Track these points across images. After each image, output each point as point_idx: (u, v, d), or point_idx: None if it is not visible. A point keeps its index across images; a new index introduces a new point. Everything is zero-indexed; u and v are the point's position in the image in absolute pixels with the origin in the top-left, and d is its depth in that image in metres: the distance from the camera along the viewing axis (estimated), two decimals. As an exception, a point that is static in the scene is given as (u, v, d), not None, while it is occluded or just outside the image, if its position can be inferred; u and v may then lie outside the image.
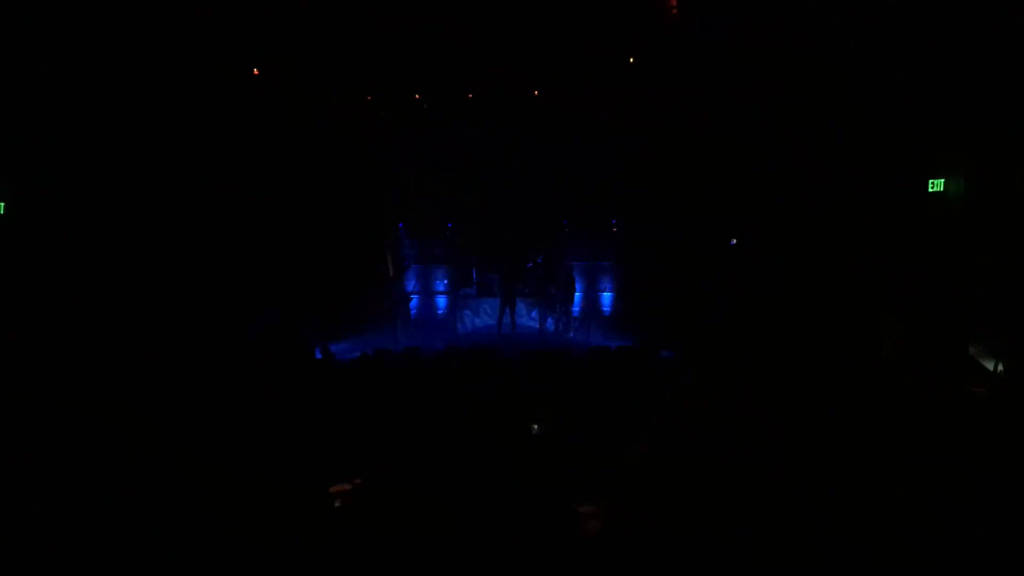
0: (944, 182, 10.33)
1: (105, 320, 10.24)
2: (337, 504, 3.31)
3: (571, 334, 17.65)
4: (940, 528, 3.82)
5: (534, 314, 18.29)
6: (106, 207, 11.25)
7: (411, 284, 18.77)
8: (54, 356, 8.72)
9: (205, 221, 12.75)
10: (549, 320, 18.10)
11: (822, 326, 11.10)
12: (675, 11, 13.73)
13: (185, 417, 7.64)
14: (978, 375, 8.17)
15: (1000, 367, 8.40)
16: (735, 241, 14.67)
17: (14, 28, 10.17)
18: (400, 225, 18.70)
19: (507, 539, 2.98)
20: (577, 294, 18.33)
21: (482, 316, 18.54)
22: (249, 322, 13.12)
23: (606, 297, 18.67)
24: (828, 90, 12.31)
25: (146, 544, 2.94)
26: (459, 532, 3.01)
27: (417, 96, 15.72)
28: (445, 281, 19.04)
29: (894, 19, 10.93)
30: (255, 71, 13.89)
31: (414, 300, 18.68)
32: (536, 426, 4.96)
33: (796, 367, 8.82)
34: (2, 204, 10.39)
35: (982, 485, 4.28)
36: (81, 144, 11.08)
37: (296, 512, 3.21)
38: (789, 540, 3.84)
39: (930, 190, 10.39)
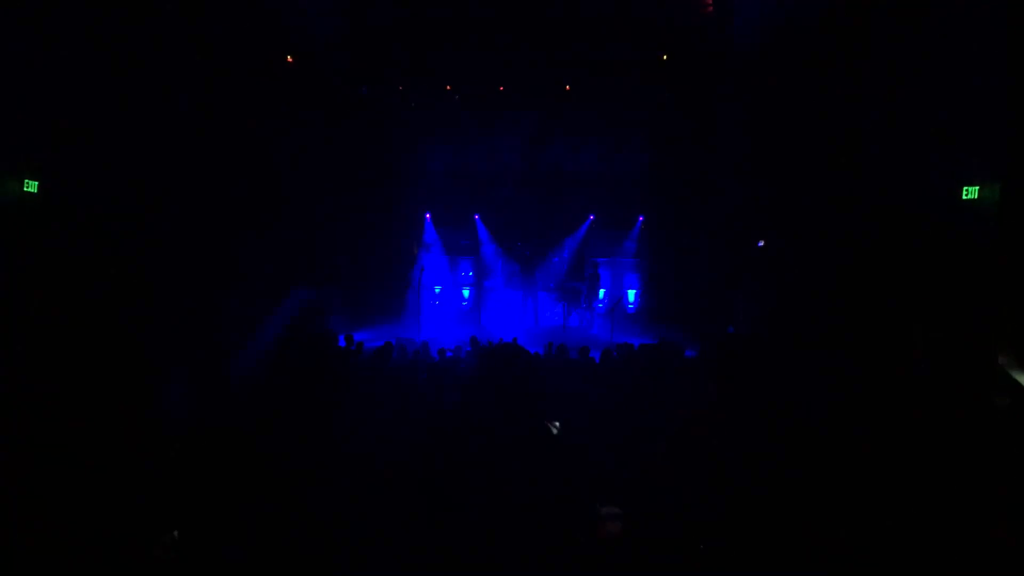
0: (979, 189, 10.18)
1: (136, 303, 10.33)
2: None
3: (594, 330, 17.65)
4: (955, 537, 3.80)
5: (558, 308, 18.30)
6: (140, 191, 11.34)
7: (436, 274, 18.85)
8: (85, 337, 8.81)
9: (234, 210, 12.84)
10: (573, 314, 18.11)
11: (847, 331, 11.01)
12: (710, 8, 13.65)
13: (209, 401, 7.71)
14: (1005, 385, 8.07)
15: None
16: (763, 243, 14.57)
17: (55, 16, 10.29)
18: (427, 215, 18.77)
19: (526, 540, 2.98)
20: (602, 289, 18.33)
21: (506, 308, 18.61)
22: (277, 308, 13.26)
23: (631, 294, 18.65)
24: (860, 90, 12.19)
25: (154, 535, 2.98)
26: (477, 532, 3.01)
27: (448, 87, 15.73)
28: (471, 272, 19.12)
29: (929, 17, 10.80)
30: (289, 59, 13.96)
31: (439, 290, 18.77)
32: (556, 425, 4.96)
33: (820, 372, 8.76)
34: (36, 183, 10.46)
35: (996, 493, 4.25)
36: (115, 127, 11.17)
37: (309, 503, 3.22)
38: (805, 547, 3.83)
39: (964, 197, 10.25)
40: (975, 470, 4.20)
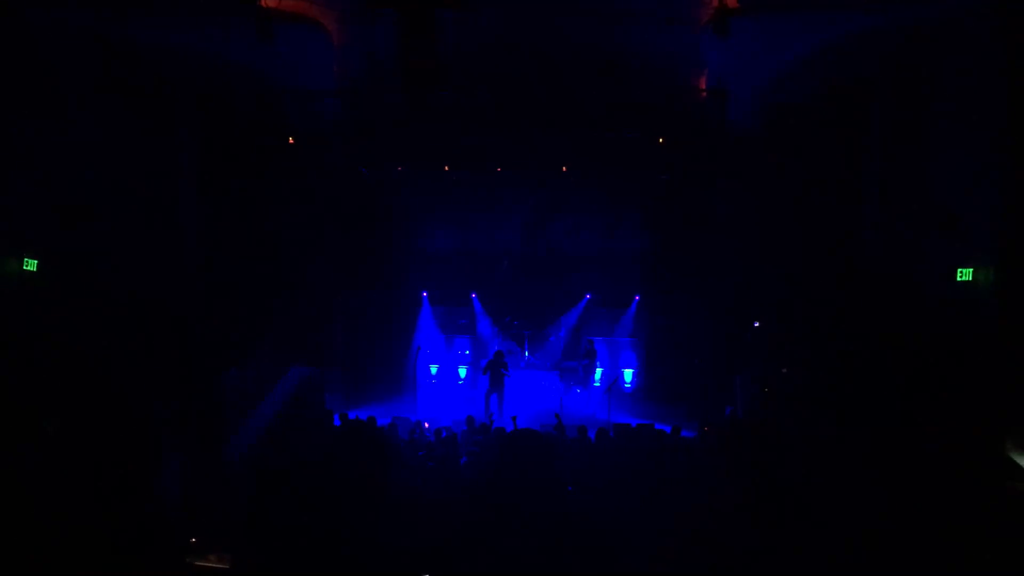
0: (973, 271, 10.20)
1: (135, 383, 10.25)
2: None
3: (592, 409, 17.49)
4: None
5: (556, 387, 18.15)
6: (140, 269, 11.37)
7: (433, 353, 18.75)
8: (83, 416, 8.70)
9: (235, 289, 12.90)
10: (570, 393, 17.98)
11: (846, 416, 10.93)
12: (704, 94, 13.96)
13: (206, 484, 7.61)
14: (1016, 471, 7.98)
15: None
16: (758, 323, 14.61)
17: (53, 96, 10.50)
18: (424, 293, 18.79)
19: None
20: (600, 368, 18.26)
21: (504, 387, 18.40)
22: (276, 386, 13.19)
23: (628, 373, 18.56)
24: (856, 172, 12.38)
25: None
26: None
27: (447, 168, 15.98)
28: (468, 351, 19.05)
29: (925, 101, 11.03)
30: (291, 139, 14.20)
31: (436, 370, 18.67)
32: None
33: (818, 457, 8.67)
34: (35, 262, 10.48)
35: None
36: (115, 207, 11.27)
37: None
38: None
39: (959, 279, 10.26)
40: (990, 557, 4.14)
